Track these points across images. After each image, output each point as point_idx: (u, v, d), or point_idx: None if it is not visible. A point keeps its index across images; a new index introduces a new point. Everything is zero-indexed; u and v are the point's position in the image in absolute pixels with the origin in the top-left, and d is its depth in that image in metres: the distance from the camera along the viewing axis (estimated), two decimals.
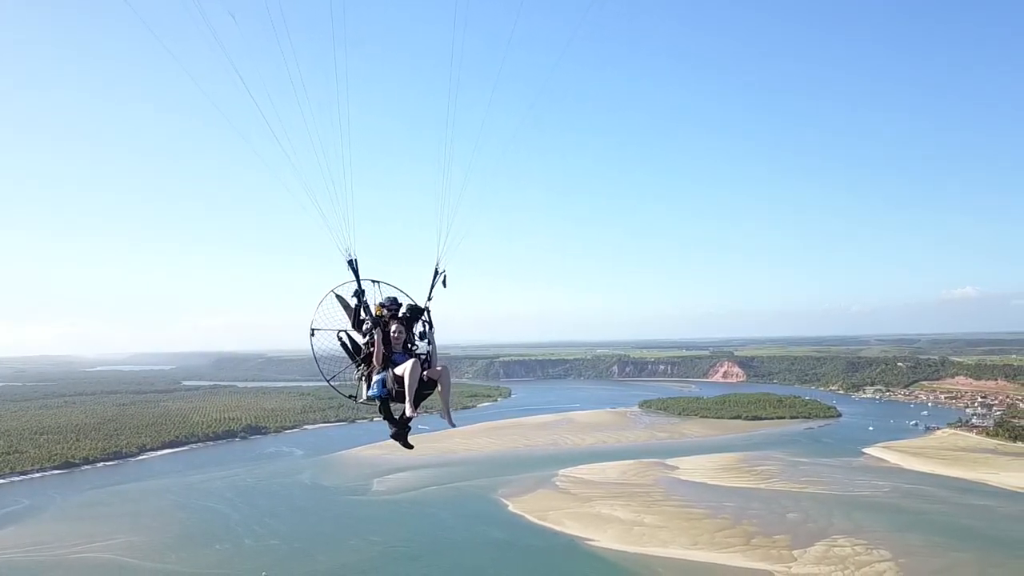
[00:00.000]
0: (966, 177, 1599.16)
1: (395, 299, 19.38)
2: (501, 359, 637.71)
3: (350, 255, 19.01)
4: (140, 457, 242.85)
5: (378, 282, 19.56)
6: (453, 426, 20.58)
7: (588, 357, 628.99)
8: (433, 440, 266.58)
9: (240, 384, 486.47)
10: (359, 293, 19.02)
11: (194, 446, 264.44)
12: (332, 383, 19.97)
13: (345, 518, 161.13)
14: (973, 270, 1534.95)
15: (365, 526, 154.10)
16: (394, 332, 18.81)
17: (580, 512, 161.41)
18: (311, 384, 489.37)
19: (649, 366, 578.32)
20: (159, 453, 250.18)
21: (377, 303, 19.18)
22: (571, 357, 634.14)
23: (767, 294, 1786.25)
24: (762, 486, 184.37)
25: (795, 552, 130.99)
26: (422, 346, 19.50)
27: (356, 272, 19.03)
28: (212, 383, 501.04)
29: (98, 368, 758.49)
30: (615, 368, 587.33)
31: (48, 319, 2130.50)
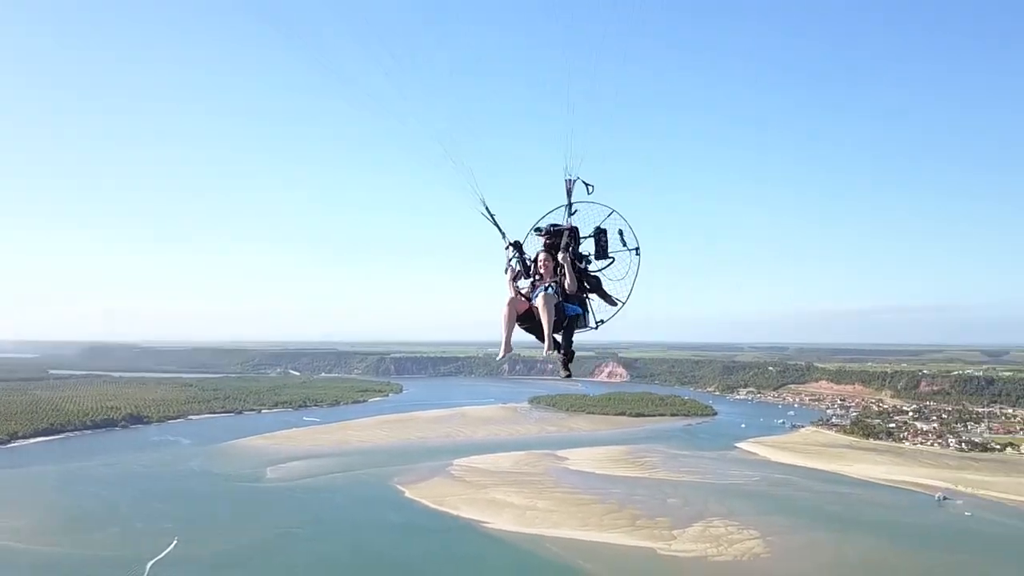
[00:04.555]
0: (835, 198, 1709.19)
1: (552, 225, 18.10)
2: (392, 356, 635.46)
3: (484, 204, 17.93)
4: (11, 444, 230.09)
5: (570, 206, 18.25)
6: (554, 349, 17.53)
7: (480, 355, 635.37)
8: (326, 432, 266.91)
9: (115, 374, 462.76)
10: (505, 238, 18.28)
11: (71, 434, 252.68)
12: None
13: (240, 503, 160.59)
14: (839, 286, 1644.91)
15: (261, 511, 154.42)
16: (540, 262, 17.80)
17: (475, 498, 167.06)
18: (194, 375, 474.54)
19: (539, 365, 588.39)
20: (32, 441, 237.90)
21: None
22: (463, 355, 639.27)
23: (651, 301, 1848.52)
24: (645, 475, 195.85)
25: (675, 532, 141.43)
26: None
27: (494, 219, 18.12)
28: (84, 372, 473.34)
29: None
30: (506, 366, 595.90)
31: None
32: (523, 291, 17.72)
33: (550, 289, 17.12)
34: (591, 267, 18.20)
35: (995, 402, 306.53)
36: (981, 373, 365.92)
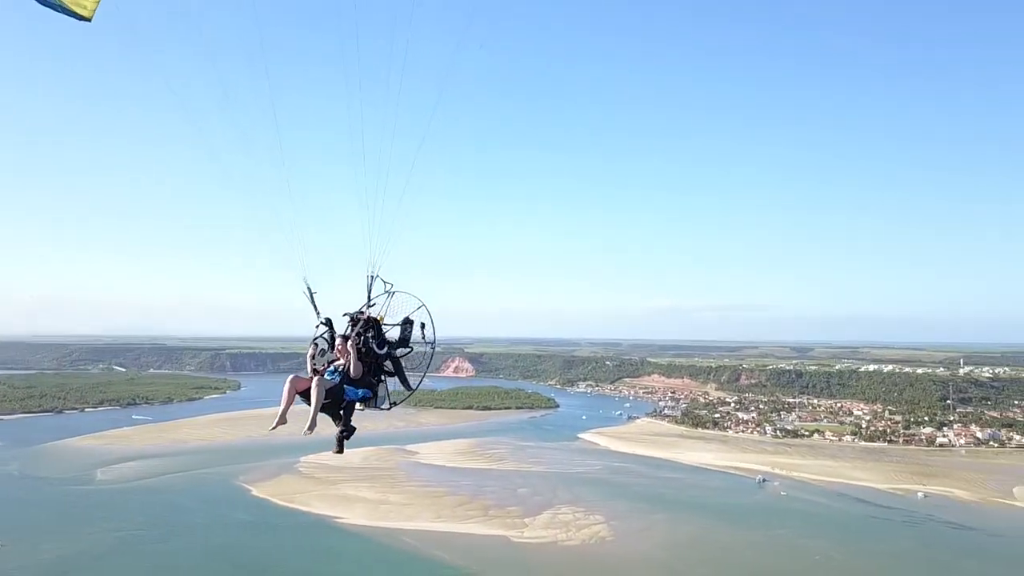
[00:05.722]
0: (655, 205, 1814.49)
1: (358, 312, 19.53)
2: (227, 351, 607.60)
3: (307, 283, 19.71)
4: None
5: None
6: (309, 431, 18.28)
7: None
8: (161, 430, 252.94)
9: None
10: (318, 316, 19.79)
11: None
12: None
13: (71, 507, 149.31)
14: (668, 286, 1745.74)
15: (94, 514, 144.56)
16: (337, 346, 19.06)
17: (327, 494, 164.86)
18: (1, 372, 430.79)
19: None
20: None
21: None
22: (303, 351, 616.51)
23: (491, 297, 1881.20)
24: (494, 467, 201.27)
25: (526, 520, 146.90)
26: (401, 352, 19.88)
27: (312, 299, 19.81)
28: None
29: None
30: None
31: None
32: (319, 368, 18.88)
33: (335, 375, 18.49)
34: (397, 351, 19.63)
35: (803, 393, 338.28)
36: (792, 367, 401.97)
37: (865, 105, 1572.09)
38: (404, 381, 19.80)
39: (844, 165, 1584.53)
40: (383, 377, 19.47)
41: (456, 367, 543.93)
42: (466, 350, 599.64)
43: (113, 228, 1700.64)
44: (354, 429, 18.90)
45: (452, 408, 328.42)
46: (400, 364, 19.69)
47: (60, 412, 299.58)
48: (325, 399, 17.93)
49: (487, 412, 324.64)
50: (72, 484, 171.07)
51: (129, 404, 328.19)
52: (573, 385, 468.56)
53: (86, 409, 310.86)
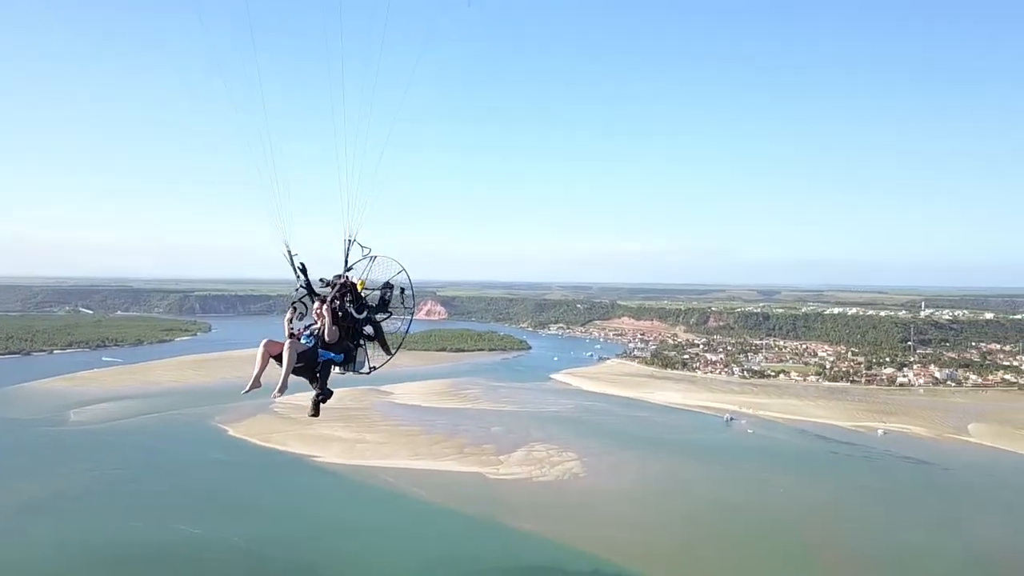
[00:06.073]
0: (632, 149, 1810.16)
1: (336, 276, 19.32)
2: (196, 293, 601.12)
3: (287, 247, 19.03)
4: None
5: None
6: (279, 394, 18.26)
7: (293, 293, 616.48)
8: (133, 372, 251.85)
9: None
10: (299, 279, 19.23)
11: None
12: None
13: (45, 449, 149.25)
14: (637, 229, 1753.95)
15: (69, 455, 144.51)
16: (315, 309, 18.89)
17: (303, 434, 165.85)
18: None
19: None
20: None
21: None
22: (274, 293, 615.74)
23: (461, 242, 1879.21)
24: (469, 406, 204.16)
25: (501, 457, 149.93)
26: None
27: (292, 261, 19.16)
28: None
29: None
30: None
31: None
32: (296, 331, 18.70)
33: (310, 339, 18.44)
34: (377, 316, 19.53)
35: (770, 335, 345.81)
36: (759, 310, 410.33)
37: (841, 44, 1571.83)
38: (384, 345, 19.78)
39: (815, 103, 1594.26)
40: (362, 341, 19.51)
41: (428, 310, 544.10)
42: (438, 293, 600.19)
43: (81, 167, 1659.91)
44: (331, 392, 18.93)
45: (426, 350, 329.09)
46: (380, 328, 19.66)
47: (27, 354, 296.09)
48: (298, 363, 17.97)
49: (460, 354, 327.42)
50: (44, 425, 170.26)
51: (99, 346, 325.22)
52: (544, 328, 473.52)
53: (54, 351, 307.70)
